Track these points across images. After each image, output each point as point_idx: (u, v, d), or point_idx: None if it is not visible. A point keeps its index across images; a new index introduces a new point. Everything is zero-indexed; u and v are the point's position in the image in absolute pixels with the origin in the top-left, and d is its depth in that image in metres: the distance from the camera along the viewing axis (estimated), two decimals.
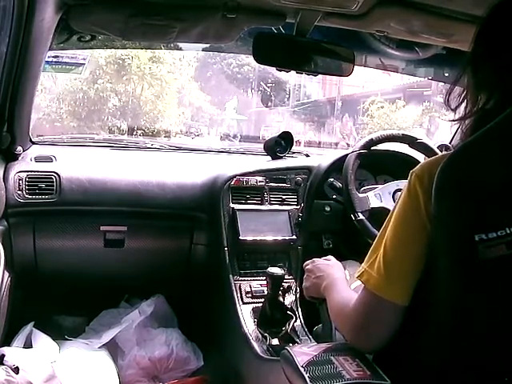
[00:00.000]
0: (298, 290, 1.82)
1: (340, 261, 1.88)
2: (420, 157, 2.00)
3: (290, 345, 1.55)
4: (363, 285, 0.93)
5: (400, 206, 0.90)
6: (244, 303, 1.77)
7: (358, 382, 0.87)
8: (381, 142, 1.94)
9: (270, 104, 13.80)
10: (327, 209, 1.97)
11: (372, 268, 0.91)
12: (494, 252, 0.77)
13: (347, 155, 1.90)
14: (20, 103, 1.73)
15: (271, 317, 1.60)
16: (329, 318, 1.23)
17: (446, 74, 2.16)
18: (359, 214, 1.81)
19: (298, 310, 1.76)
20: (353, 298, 0.97)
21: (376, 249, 0.92)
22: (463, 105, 0.91)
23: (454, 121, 0.91)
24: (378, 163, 2.07)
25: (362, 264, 0.94)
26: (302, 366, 0.91)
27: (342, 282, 1.15)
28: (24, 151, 1.89)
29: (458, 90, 0.92)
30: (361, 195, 1.86)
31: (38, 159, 1.90)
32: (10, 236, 1.76)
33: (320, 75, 1.76)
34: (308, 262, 1.31)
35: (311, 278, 1.25)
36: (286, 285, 1.62)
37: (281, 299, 1.59)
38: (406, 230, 0.89)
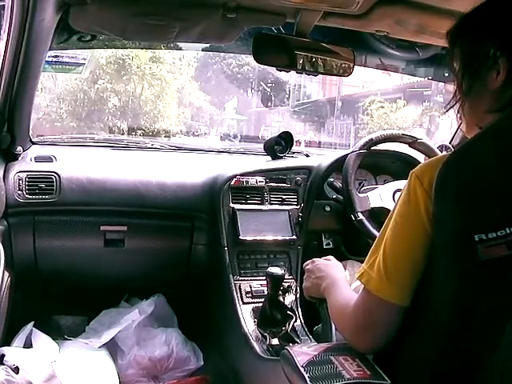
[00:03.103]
0: (298, 290, 1.82)
1: (340, 261, 1.88)
2: (420, 157, 2.00)
3: (290, 345, 1.54)
4: (363, 286, 0.93)
5: (399, 207, 0.90)
6: (244, 303, 1.77)
7: (358, 382, 0.87)
8: (381, 142, 1.94)
9: (269, 104, 13.81)
10: (327, 209, 1.97)
11: (372, 269, 0.91)
12: (494, 252, 0.77)
13: (347, 155, 1.90)
14: (20, 103, 1.73)
15: (271, 317, 1.60)
16: (329, 318, 1.23)
17: (446, 74, 2.16)
18: (359, 214, 1.81)
19: (298, 309, 1.76)
20: (353, 299, 0.97)
21: (376, 250, 0.92)
22: None
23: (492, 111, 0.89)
24: (378, 163, 2.08)
25: (363, 265, 0.94)
26: (302, 366, 0.91)
27: (343, 282, 1.14)
28: (24, 151, 1.89)
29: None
30: (361, 195, 1.86)
31: (38, 159, 1.90)
32: (10, 236, 1.76)
33: (320, 75, 1.76)
34: (308, 261, 1.31)
35: (311, 278, 1.24)
36: (286, 285, 1.61)
37: (281, 299, 1.59)
38: (406, 231, 0.89)
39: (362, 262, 0.96)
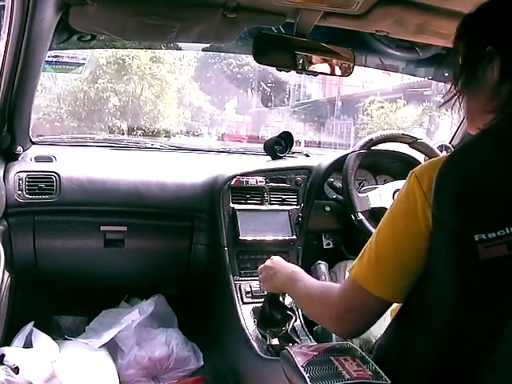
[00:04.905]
0: None
1: (340, 261, 1.89)
2: (420, 157, 2.00)
3: (290, 345, 1.54)
4: (350, 274, 0.95)
5: (396, 204, 0.92)
6: (244, 303, 1.77)
7: (358, 382, 0.87)
8: (381, 142, 1.94)
9: (270, 104, 13.80)
10: (327, 209, 1.97)
11: (361, 261, 0.93)
12: (493, 252, 0.77)
13: (347, 155, 1.90)
14: (20, 103, 1.73)
15: (271, 317, 1.59)
16: None
17: (446, 74, 2.16)
18: (359, 214, 1.82)
19: (297, 310, 1.76)
20: (325, 286, 1.03)
21: (368, 244, 0.94)
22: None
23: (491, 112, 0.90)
24: (377, 163, 2.08)
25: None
26: (302, 366, 0.91)
27: (301, 272, 1.17)
28: (24, 151, 1.89)
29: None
30: (361, 195, 1.86)
31: (38, 159, 1.90)
32: (10, 236, 1.76)
33: (320, 75, 1.76)
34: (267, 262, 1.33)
35: (269, 276, 1.28)
36: None
37: (281, 299, 1.59)
38: (399, 228, 0.89)
39: None
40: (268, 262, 1.30)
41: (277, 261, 1.29)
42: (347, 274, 1.70)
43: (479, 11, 0.92)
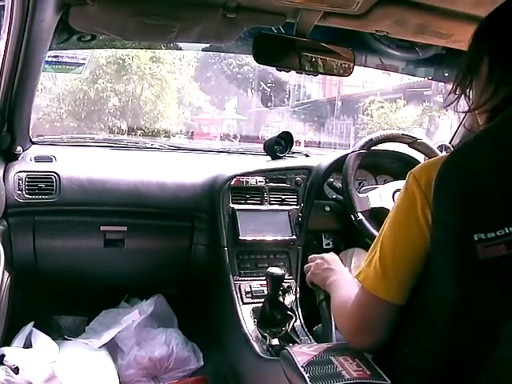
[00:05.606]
0: (298, 290, 1.82)
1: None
2: (420, 157, 2.00)
3: (290, 345, 1.55)
4: (360, 284, 0.94)
5: (397, 207, 0.92)
6: (244, 303, 1.77)
7: (358, 382, 0.87)
8: (381, 142, 1.95)
9: (269, 104, 13.80)
10: (327, 209, 1.97)
11: (369, 267, 0.92)
12: (493, 252, 0.77)
13: (347, 155, 1.90)
14: (20, 103, 1.73)
15: (271, 317, 1.60)
16: (329, 318, 1.24)
17: (446, 74, 2.16)
18: (359, 214, 1.82)
19: (297, 309, 1.76)
20: (352, 297, 0.97)
21: (374, 249, 0.94)
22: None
23: (465, 112, 0.94)
24: (377, 163, 2.08)
25: (362, 264, 0.95)
26: (302, 366, 0.91)
27: (349, 280, 1.15)
28: (24, 151, 1.89)
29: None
30: (361, 195, 1.86)
31: (37, 159, 1.90)
32: (10, 236, 1.76)
33: (320, 75, 1.76)
34: (323, 255, 1.33)
35: (322, 267, 1.26)
36: (285, 285, 1.62)
37: (281, 299, 1.59)
38: (402, 231, 0.90)
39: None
40: (325, 254, 1.29)
41: (335, 259, 1.28)
42: (352, 263, 1.71)
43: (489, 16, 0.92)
